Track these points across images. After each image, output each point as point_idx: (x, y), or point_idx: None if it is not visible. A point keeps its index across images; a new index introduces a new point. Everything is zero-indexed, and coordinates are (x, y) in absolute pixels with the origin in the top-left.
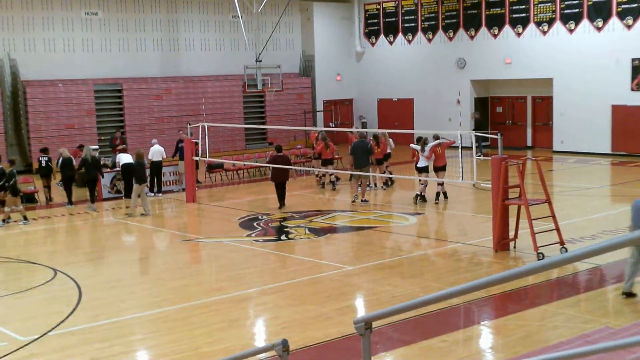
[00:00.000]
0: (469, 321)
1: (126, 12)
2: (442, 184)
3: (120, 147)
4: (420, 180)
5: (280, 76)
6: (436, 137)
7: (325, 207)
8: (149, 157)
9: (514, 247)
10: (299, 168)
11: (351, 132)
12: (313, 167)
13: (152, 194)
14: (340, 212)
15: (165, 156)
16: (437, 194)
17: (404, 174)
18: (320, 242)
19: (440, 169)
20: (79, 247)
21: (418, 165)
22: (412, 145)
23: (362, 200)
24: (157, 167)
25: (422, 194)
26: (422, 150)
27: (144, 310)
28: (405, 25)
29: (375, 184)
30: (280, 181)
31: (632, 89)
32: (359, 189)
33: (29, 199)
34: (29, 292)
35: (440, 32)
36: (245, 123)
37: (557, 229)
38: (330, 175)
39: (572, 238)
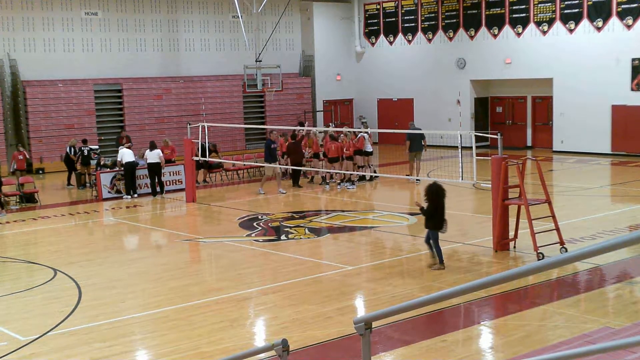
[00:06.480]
0: (469, 321)
1: (126, 12)
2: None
3: (127, 145)
4: (370, 165)
5: (280, 76)
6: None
7: (325, 207)
8: (148, 159)
9: (514, 247)
10: (305, 169)
11: (326, 131)
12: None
13: (154, 197)
14: (340, 212)
15: (162, 158)
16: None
17: (400, 174)
18: (320, 242)
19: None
20: (79, 247)
21: (367, 150)
22: (363, 134)
23: (417, 179)
24: (155, 168)
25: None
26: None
27: (144, 310)
28: (405, 25)
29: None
30: (293, 164)
31: (632, 89)
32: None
33: (29, 199)
34: (29, 292)
35: (440, 32)
36: (245, 123)
37: (557, 229)
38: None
39: (572, 238)
